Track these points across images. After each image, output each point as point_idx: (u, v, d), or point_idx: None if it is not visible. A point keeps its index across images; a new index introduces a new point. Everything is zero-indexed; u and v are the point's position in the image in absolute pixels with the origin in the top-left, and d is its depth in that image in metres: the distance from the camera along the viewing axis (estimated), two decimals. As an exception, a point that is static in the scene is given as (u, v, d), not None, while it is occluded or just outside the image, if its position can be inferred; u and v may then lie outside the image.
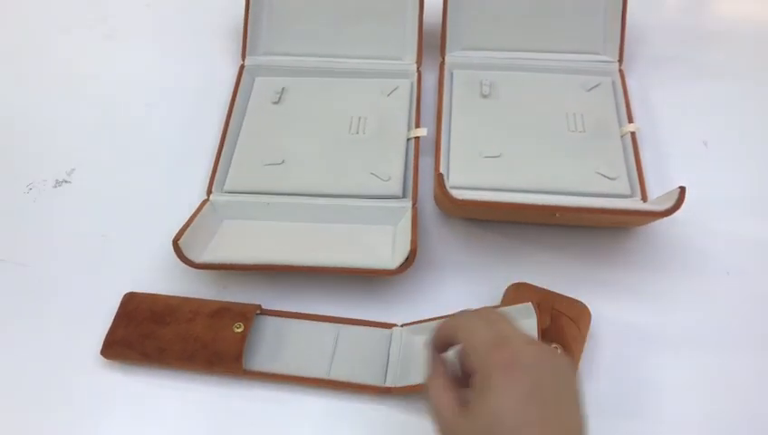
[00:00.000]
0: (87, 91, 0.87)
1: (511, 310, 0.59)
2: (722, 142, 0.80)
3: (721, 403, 0.61)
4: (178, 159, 0.80)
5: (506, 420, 0.40)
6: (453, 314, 0.49)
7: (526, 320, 0.58)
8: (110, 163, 0.80)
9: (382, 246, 0.69)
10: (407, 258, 0.64)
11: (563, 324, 0.61)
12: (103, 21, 0.95)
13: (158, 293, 0.67)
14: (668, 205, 0.61)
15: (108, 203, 0.76)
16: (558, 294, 0.63)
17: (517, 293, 0.64)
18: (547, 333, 0.60)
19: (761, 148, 0.79)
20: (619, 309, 0.66)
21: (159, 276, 0.70)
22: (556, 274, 0.68)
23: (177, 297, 0.66)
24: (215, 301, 0.65)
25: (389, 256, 0.67)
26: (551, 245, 0.71)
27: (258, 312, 0.64)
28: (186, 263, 0.64)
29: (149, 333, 0.63)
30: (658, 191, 0.72)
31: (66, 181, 0.78)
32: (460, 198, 0.62)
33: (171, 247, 0.69)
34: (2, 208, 0.76)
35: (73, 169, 0.79)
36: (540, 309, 0.59)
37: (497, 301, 0.67)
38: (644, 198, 0.72)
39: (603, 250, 0.71)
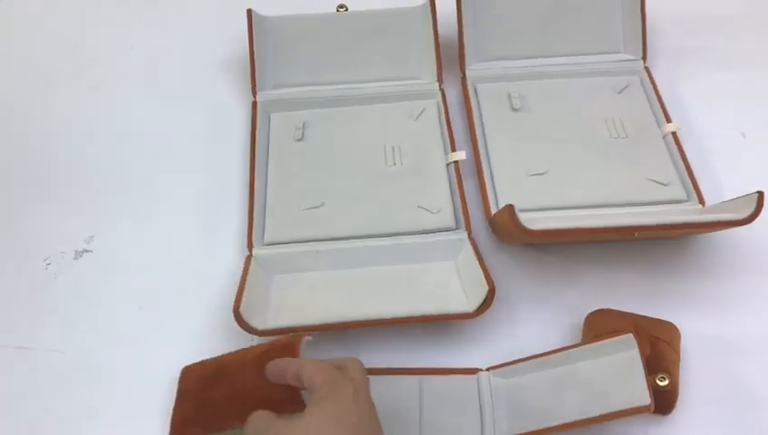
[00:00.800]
0: (85, 151, 0.80)
1: (610, 343, 0.56)
2: (760, 131, 0.78)
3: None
4: (203, 213, 0.74)
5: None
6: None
7: (626, 352, 0.56)
8: (130, 225, 0.73)
9: (449, 285, 0.65)
10: (485, 300, 0.60)
11: (662, 350, 0.59)
12: (83, 70, 0.88)
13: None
14: (748, 211, 0.59)
15: (136, 270, 0.70)
16: (646, 317, 0.61)
17: (604, 320, 0.62)
18: (649, 362, 0.57)
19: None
20: (699, 320, 0.64)
21: (212, 345, 0.64)
22: (630, 292, 0.66)
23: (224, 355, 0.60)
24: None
25: (461, 296, 0.63)
26: (618, 261, 0.69)
27: None
28: (248, 331, 0.60)
29: (206, 402, 0.57)
30: (709, 191, 0.71)
31: (87, 251, 0.71)
32: (535, 228, 0.58)
33: (219, 312, 0.66)
34: (21, 289, 0.69)
35: (92, 237, 0.72)
36: (637, 337, 0.57)
37: (577, 329, 0.64)
38: (701, 202, 0.70)
39: (672, 261, 0.69)
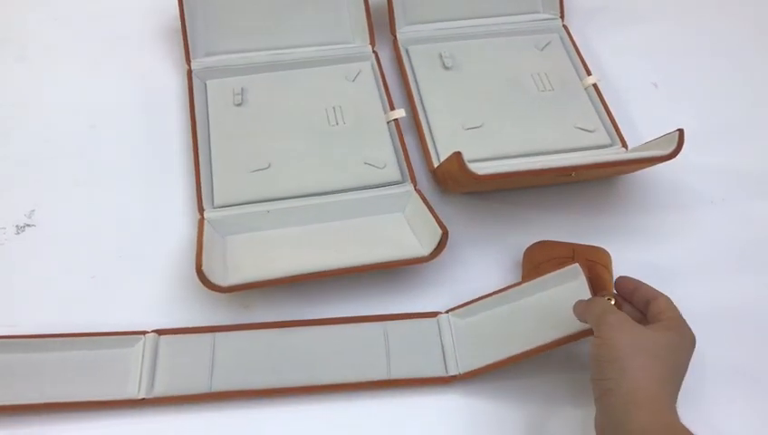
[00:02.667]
0: (19, 122, 0.77)
1: (558, 274, 0.61)
2: (669, 81, 0.85)
3: (735, 321, 0.66)
4: (146, 180, 0.74)
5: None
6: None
7: (574, 281, 0.60)
8: (72, 196, 0.72)
9: (401, 234, 0.68)
10: (439, 243, 0.63)
11: (599, 272, 0.63)
12: (6, 42, 0.85)
13: (180, 325, 0.62)
14: (671, 148, 0.65)
15: (83, 240, 0.69)
16: (581, 244, 0.66)
17: (542, 250, 0.66)
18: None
19: (707, 80, 0.85)
20: (632, 250, 0.70)
21: (172, 308, 0.65)
22: (567, 229, 0.71)
23: None
24: None
25: (415, 243, 0.66)
26: (553, 204, 0.74)
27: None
28: (212, 289, 0.60)
29: None
30: (630, 136, 0.77)
31: (29, 225, 0.70)
32: (482, 173, 0.62)
33: (175, 275, 0.66)
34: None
35: (32, 211, 0.71)
36: (575, 261, 0.61)
37: (518, 264, 0.68)
38: (624, 145, 0.76)
39: (603, 200, 0.74)
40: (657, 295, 0.55)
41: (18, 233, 0.69)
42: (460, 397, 0.61)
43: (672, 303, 0.54)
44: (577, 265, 0.60)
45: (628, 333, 0.50)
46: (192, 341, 0.62)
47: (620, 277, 0.58)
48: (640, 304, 0.55)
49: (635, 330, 0.51)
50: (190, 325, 0.63)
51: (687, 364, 0.52)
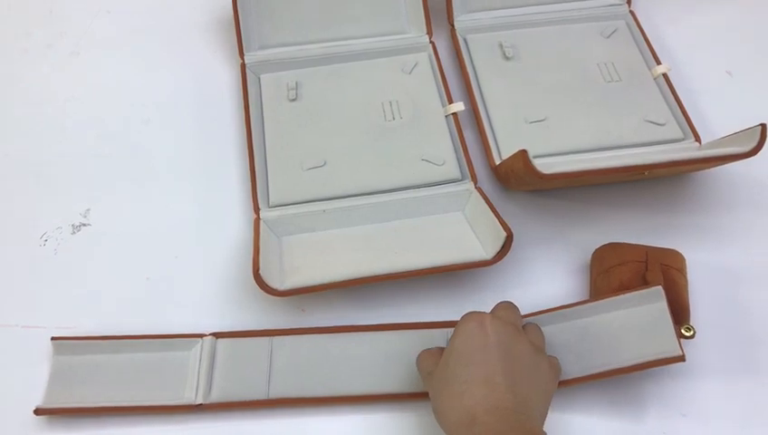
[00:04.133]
0: (73, 119, 0.77)
1: (637, 295, 0.57)
2: (745, 70, 0.80)
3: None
4: (201, 178, 0.73)
5: (463, 349, 0.50)
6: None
7: (655, 303, 0.57)
8: (127, 194, 0.71)
9: (462, 235, 0.65)
10: (503, 246, 0.60)
11: (674, 277, 0.60)
12: (60, 36, 0.84)
13: (236, 327, 0.61)
14: (752, 145, 0.61)
15: (138, 240, 0.68)
16: (655, 247, 0.62)
17: (613, 253, 0.63)
18: (664, 290, 0.58)
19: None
20: (702, 252, 0.66)
21: (231, 309, 0.64)
22: (634, 229, 0.68)
23: None
24: None
25: (477, 245, 0.63)
26: (620, 202, 0.70)
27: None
28: (269, 293, 0.59)
29: None
30: (703, 129, 0.72)
31: (84, 224, 0.69)
32: (550, 172, 0.59)
33: (232, 276, 0.65)
34: (20, 269, 0.66)
35: (88, 210, 0.70)
36: (648, 266, 0.58)
37: (586, 268, 0.65)
38: (697, 140, 0.71)
39: (673, 198, 0.70)
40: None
41: (74, 233, 0.68)
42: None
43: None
44: (660, 287, 0.57)
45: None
46: (249, 344, 0.60)
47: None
48: None
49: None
50: (246, 328, 0.62)
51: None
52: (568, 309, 0.59)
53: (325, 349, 0.60)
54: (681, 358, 0.53)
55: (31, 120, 0.77)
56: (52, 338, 0.59)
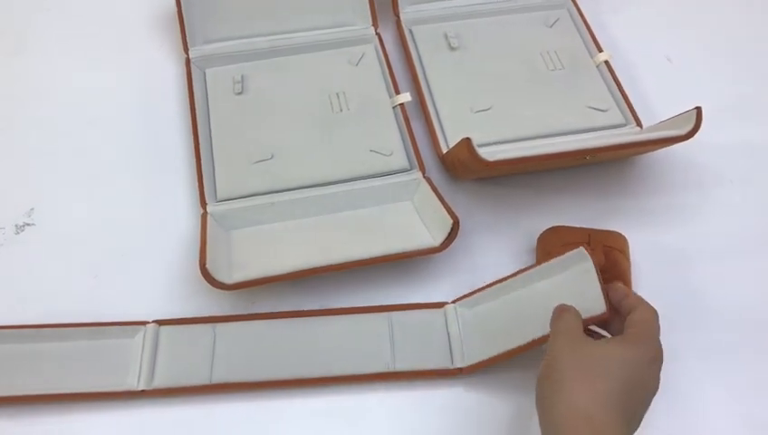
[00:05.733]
0: (15, 118, 0.75)
1: (564, 259, 0.58)
2: (684, 56, 0.82)
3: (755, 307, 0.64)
4: (147, 174, 0.72)
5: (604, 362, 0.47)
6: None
7: (580, 264, 0.57)
8: (71, 194, 0.70)
9: (410, 224, 0.66)
10: (450, 232, 0.61)
11: (616, 258, 0.61)
12: (2, 35, 0.82)
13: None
14: (688, 127, 0.62)
15: (85, 238, 0.67)
16: (597, 230, 0.64)
17: (557, 236, 0.64)
18: (604, 270, 0.59)
19: (723, 54, 0.82)
20: (648, 233, 0.68)
21: (177, 306, 0.63)
22: (581, 213, 0.69)
23: None
24: None
25: (424, 233, 0.64)
26: (565, 188, 0.71)
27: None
28: (216, 286, 0.58)
29: None
30: (645, 114, 0.74)
31: (28, 224, 0.68)
32: (493, 159, 0.60)
33: (180, 272, 0.65)
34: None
35: (32, 209, 0.69)
36: (591, 248, 0.59)
37: (532, 252, 0.66)
38: (639, 125, 0.73)
39: (617, 182, 0.72)
40: (638, 306, 0.51)
41: (18, 233, 0.67)
42: (465, 390, 0.59)
43: (649, 314, 0.51)
44: (582, 248, 0.57)
45: (575, 351, 0.48)
46: (193, 331, 0.61)
47: (612, 285, 0.55)
48: (625, 314, 0.52)
49: (584, 348, 0.49)
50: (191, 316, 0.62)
51: (650, 380, 0.48)
52: (501, 283, 0.60)
53: (269, 334, 0.60)
54: (603, 316, 0.54)
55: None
56: None
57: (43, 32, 0.83)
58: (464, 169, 0.66)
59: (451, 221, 0.61)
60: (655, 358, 0.49)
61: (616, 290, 0.54)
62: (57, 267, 0.65)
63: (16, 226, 0.68)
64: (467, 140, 0.60)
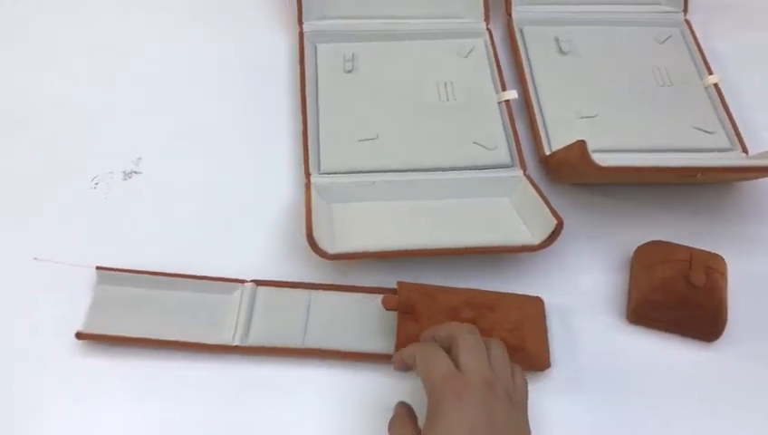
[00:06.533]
0: (128, 73, 0.77)
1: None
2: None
3: None
4: (252, 139, 0.73)
5: None
6: (416, 344, 0.52)
7: None
8: (177, 149, 0.72)
9: (508, 219, 0.66)
10: (552, 233, 0.61)
11: (716, 280, 0.61)
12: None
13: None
14: (803, 157, 0.62)
15: (188, 193, 0.69)
16: (699, 250, 0.63)
17: (657, 251, 0.64)
18: (705, 291, 0.59)
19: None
20: (740, 260, 0.67)
21: (275, 265, 0.65)
22: (678, 231, 0.68)
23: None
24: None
25: (524, 230, 0.64)
26: (665, 203, 0.71)
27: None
28: (320, 255, 0.60)
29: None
30: (751, 141, 0.73)
31: (136, 172, 0.70)
32: (607, 165, 0.60)
33: (277, 234, 0.67)
34: (70, 208, 0.67)
35: (140, 159, 0.71)
36: (692, 266, 0.59)
37: (625, 262, 0.66)
38: (744, 151, 0.72)
39: (718, 205, 0.71)
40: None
41: (125, 179, 0.69)
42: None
43: (422, 371, 0.49)
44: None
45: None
46: (289, 295, 0.62)
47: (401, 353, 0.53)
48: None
49: None
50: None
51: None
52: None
53: (362, 307, 0.61)
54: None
55: (87, 69, 0.78)
56: (97, 267, 0.61)
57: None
58: (569, 171, 0.67)
59: (555, 222, 0.61)
60: (466, 415, 0.45)
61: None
62: (159, 217, 0.67)
63: (124, 172, 0.70)
64: (581, 143, 0.60)
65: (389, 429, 0.52)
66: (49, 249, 0.63)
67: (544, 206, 0.63)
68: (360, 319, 0.60)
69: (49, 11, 0.83)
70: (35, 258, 0.63)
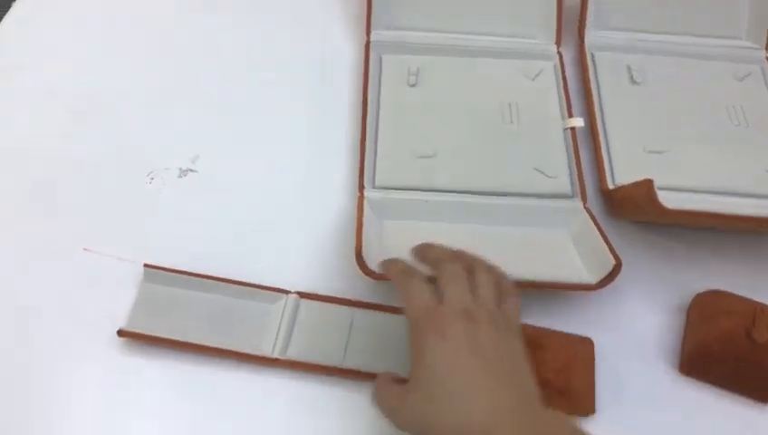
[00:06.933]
0: (191, 72, 0.78)
1: None
2: None
3: None
4: (307, 146, 0.73)
5: (443, 371, 0.43)
6: (400, 270, 0.52)
7: None
8: (234, 150, 0.72)
9: (565, 254, 0.64)
10: (609, 273, 0.59)
11: (783, 341, 0.58)
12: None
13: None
14: None
15: (241, 196, 0.69)
16: (765, 305, 0.60)
17: (718, 301, 0.61)
18: (766, 349, 0.57)
19: None
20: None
21: (319, 276, 0.64)
22: (734, 281, 0.64)
23: None
24: None
25: (579, 267, 0.62)
26: (726, 252, 0.68)
27: None
28: (367, 274, 0.58)
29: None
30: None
31: (192, 170, 0.70)
32: (673, 208, 0.57)
33: (326, 248, 0.66)
34: (124, 202, 0.67)
35: (197, 156, 0.71)
36: (756, 321, 0.57)
37: (683, 308, 0.63)
38: (820, 202, 0.68)
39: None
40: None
41: (181, 177, 0.69)
42: None
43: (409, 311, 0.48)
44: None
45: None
46: (331, 311, 0.61)
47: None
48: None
49: None
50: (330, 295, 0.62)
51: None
52: None
53: (404, 331, 0.59)
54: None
55: (153, 61, 0.78)
56: (145, 265, 0.61)
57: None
58: (632, 209, 0.64)
59: (613, 262, 0.59)
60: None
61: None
62: (210, 218, 0.67)
63: (180, 169, 0.70)
64: (649, 182, 0.57)
65: (376, 386, 0.50)
66: (98, 240, 0.64)
67: (603, 243, 0.61)
68: (403, 342, 0.59)
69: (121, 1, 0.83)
70: (85, 249, 0.63)
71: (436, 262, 0.51)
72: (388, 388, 0.48)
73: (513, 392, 0.44)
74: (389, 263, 0.53)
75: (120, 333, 0.57)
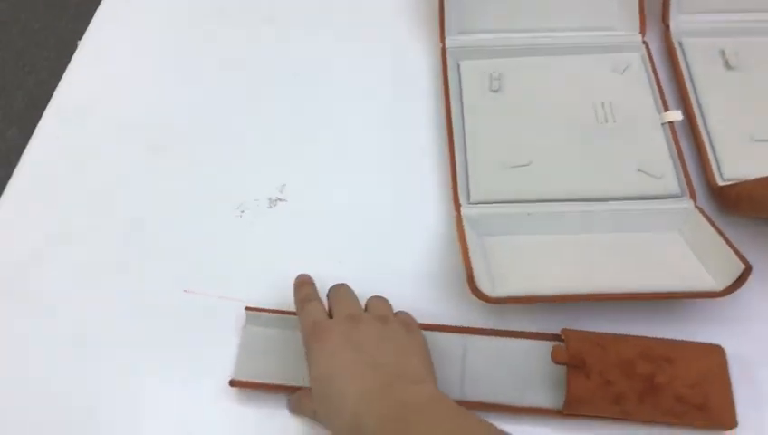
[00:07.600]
0: (269, 90, 0.76)
1: None
2: None
3: None
4: (395, 165, 0.70)
5: (325, 368, 0.49)
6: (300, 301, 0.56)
7: None
8: (322, 173, 0.70)
9: (682, 259, 0.61)
10: (738, 278, 0.55)
11: None
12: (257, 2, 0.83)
13: (426, 320, 0.59)
14: None
15: (332, 222, 0.67)
16: None
17: None
18: None
19: None
20: None
21: (423, 303, 0.61)
22: None
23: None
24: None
25: (701, 272, 0.59)
26: None
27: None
28: (481, 299, 0.56)
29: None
30: None
31: (281, 199, 0.68)
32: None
33: (426, 271, 0.63)
34: (217, 237, 0.66)
35: (284, 185, 0.69)
36: None
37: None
38: None
39: None
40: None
41: (270, 207, 0.68)
42: None
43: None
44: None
45: None
46: (442, 339, 0.58)
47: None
48: None
49: None
50: (437, 322, 0.59)
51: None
52: None
53: (523, 356, 0.57)
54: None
55: (221, 89, 0.76)
56: (246, 308, 0.59)
57: (297, 2, 0.83)
58: (753, 206, 0.60)
59: (742, 266, 0.55)
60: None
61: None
62: (304, 246, 0.65)
63: (269, 199, 0.68)
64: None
65: (292, 407, 0.55)
66: (197, 281, 0.62)
67: (726, 246, 0.57)
68: (523, 369, 0.56)
69: (199, 24, 0.83)
70: (185, 290, 0.61)
71: (329, 291, 0.56)
72: (301, 400, 0.53)
73: (384, 375, 0.47)
74: (296, 287, 0.57)
75: (233, 383, 0.56)
